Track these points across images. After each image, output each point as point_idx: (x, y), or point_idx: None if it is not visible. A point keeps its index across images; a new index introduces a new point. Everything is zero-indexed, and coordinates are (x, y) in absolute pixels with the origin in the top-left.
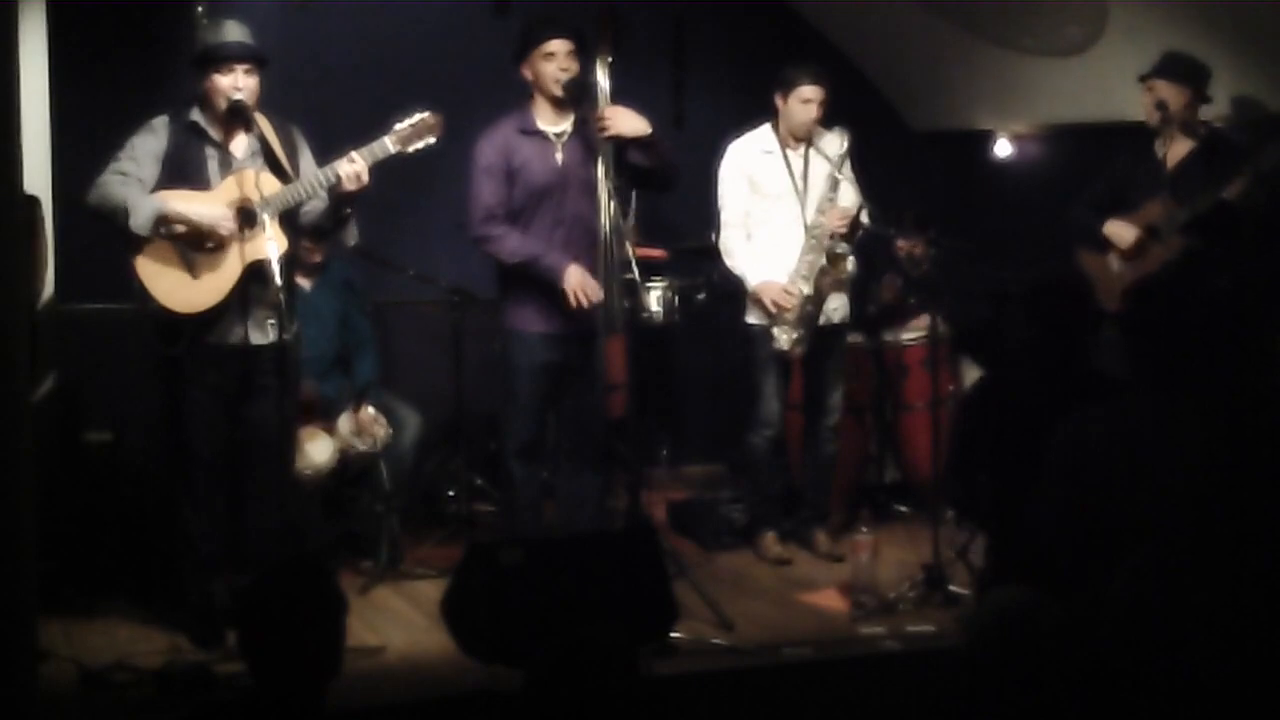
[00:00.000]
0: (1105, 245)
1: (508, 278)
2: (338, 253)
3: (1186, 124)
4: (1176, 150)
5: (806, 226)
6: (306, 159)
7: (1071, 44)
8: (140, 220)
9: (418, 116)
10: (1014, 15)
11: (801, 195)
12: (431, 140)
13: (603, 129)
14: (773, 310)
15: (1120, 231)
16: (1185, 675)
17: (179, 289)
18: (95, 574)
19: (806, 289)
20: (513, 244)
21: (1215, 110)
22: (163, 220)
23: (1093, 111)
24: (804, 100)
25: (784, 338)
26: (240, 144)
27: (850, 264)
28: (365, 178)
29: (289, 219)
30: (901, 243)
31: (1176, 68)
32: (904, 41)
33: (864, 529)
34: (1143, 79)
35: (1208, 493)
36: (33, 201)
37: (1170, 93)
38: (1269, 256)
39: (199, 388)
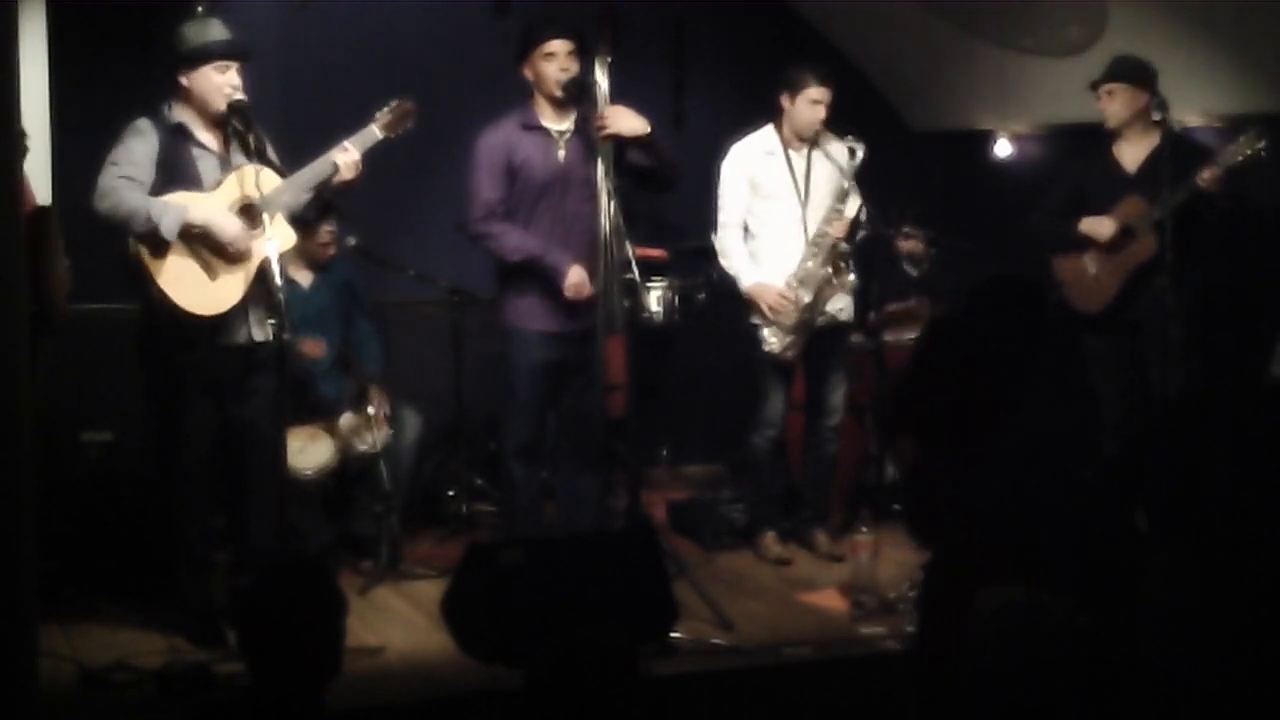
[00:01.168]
0: (1080, 246)
1: (507, 276)
2: (339, 252)
3: (1143, 127)
4: (1136, 152)
5: (807, 230)
6: (272, 156)
7: (1071, 44)
8: (169, 226)
9: (394, 103)
10: (1014, 15)
11: (803, 198)
12: (410, 125)
13: (602, 129)
14: (768, 314)
15: (1098, 226)
16: (1186, 675)
17: (199, 291)
18: (95, 574)
19: (807, 296)
20: (514, 240)
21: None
22: (189, 227)
23: (1093, 111)
24: (812, 101)
25: (775, 341)
26: (229, 142)
27: (851, 276)
28: (360, 166)
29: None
30: (902, 241)
31: (1133, 71)
32: (904, 42)
33: (864, 529)
34: (1096, 85)
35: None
36: (46, 211)
37: (1127, 96)
38: (1241, 250)
39: (201, 388)
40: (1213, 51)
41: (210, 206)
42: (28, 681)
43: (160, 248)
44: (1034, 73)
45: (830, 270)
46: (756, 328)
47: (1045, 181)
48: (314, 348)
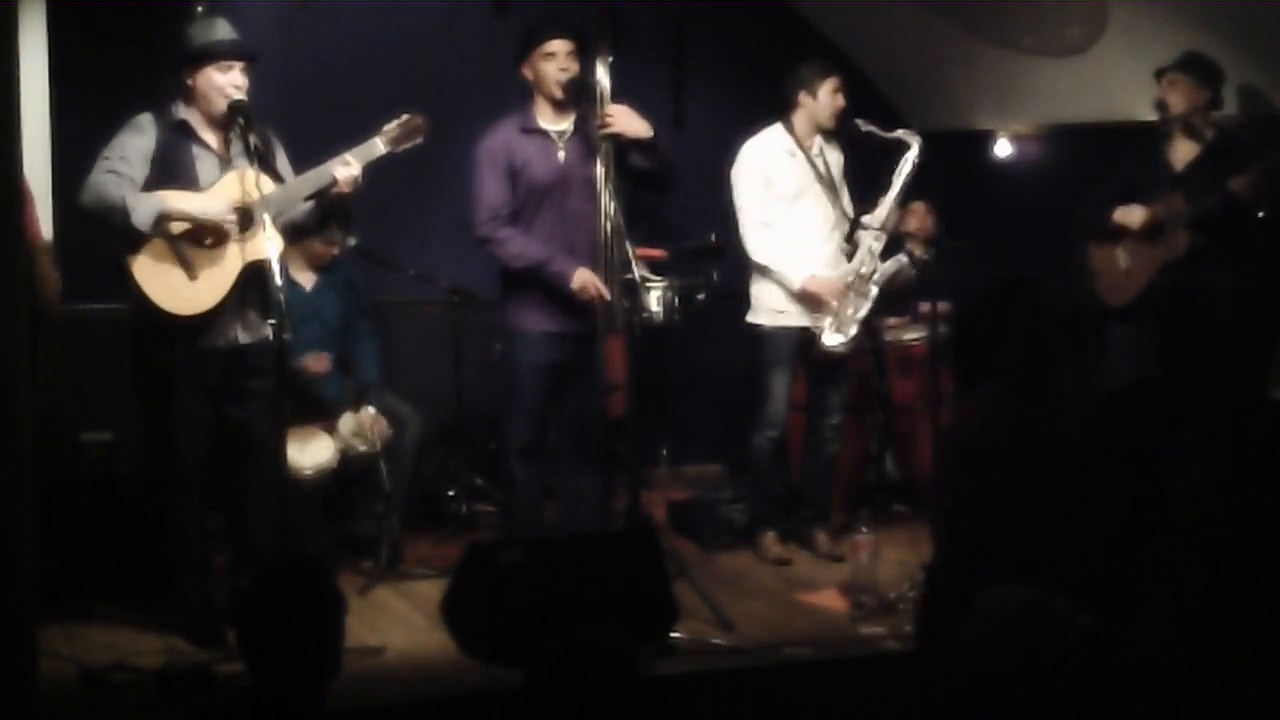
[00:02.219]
0: (1115, 235)
1: (509, 277)
2: (340, 253)
3: (1195, 125)
4: (1185, 152)
5: (860, 226)
6: (283, 161)
7: (1071, 44)
8: (142, 217)
9: (404, 117)
10: (1014, 15)
11: (831, 192)
12: (419, 140)
13: (605, 127)
14: (833, 305)
15: (1129, 214)
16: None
17: (177, 290)
18: (95, 574)
19: (873, 290)
20: (518, 247)
21: (1220, 112)
22: (164, 217)
23: (1093, 111)
24: (835, 89)
25: (839, 335)
26: (230, 143)
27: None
28: (361, 181)
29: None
30: (909, 219)
31: (1200, 67)
32: (904, 41)
33: (864, 529)
34: (1161, 72)
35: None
36: None
37: (1188, 89)
38: (1271, 254)
39: (194, 390)
40: (1213, 52)
41: (195, 199)
42: (28, 681)
43: (137, 243)
44: (1034, 73)
45: (910, 263)
46: (800, 329)
47: (1092, 175)
48: (318, 363)
